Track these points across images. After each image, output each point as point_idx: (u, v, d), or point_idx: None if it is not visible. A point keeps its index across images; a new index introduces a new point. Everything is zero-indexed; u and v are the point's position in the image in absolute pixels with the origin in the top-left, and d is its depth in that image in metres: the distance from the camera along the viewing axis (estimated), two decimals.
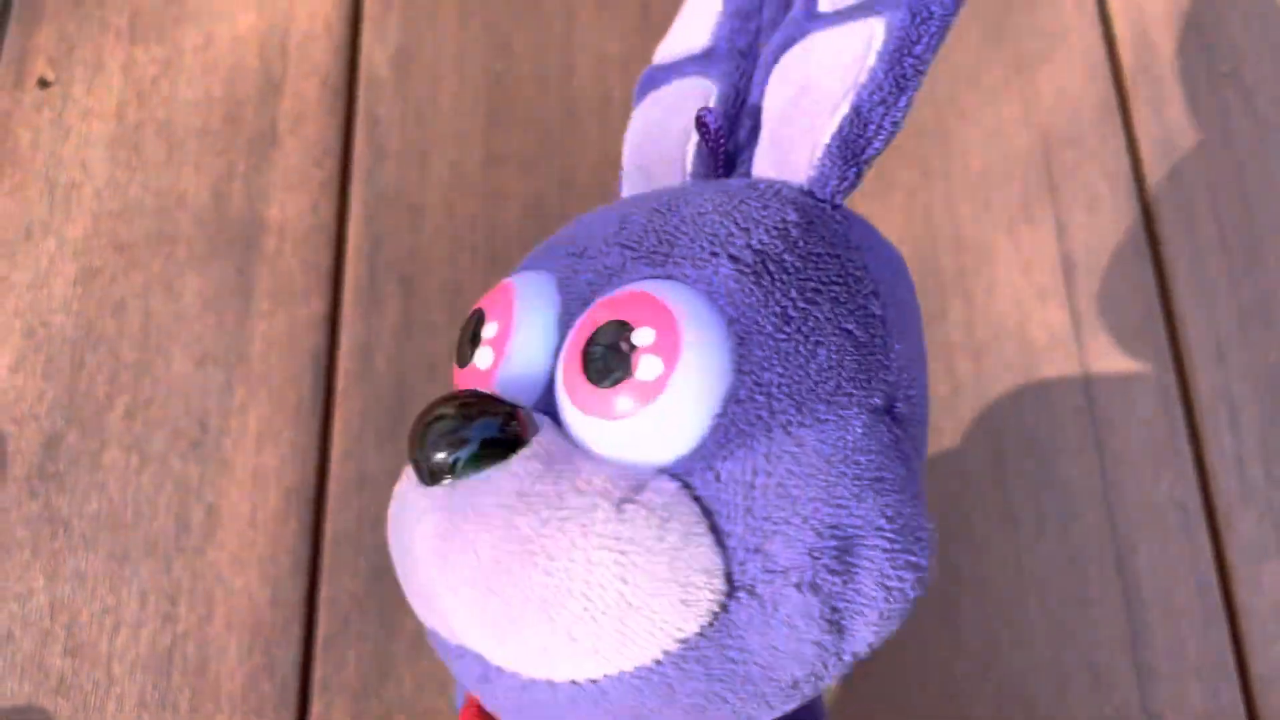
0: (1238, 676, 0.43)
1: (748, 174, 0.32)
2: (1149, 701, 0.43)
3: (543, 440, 0.26)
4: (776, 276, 0.27)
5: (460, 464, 0.26)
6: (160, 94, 0.54)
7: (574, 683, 0.26)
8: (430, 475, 0.26)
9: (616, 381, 0.26)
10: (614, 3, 0.56)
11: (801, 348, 0.27)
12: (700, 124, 0.32)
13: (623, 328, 0.26)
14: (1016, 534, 0.45)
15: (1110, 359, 0.48)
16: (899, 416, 0.28)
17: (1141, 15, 0.54)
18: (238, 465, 0.47)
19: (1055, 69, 0.53)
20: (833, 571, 0.26)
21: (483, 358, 0.29)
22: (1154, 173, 0.51)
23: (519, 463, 0.26)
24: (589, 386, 0.26)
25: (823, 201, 0.29)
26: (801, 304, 0.27)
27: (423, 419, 0.27)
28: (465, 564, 0.26)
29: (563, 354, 0.27)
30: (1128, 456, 0.46)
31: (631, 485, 0.26)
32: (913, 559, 0.26)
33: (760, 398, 0.26)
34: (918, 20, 0.27)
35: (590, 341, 0.26)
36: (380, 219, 0.52)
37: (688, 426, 0.26)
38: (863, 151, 0.28)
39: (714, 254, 0.27)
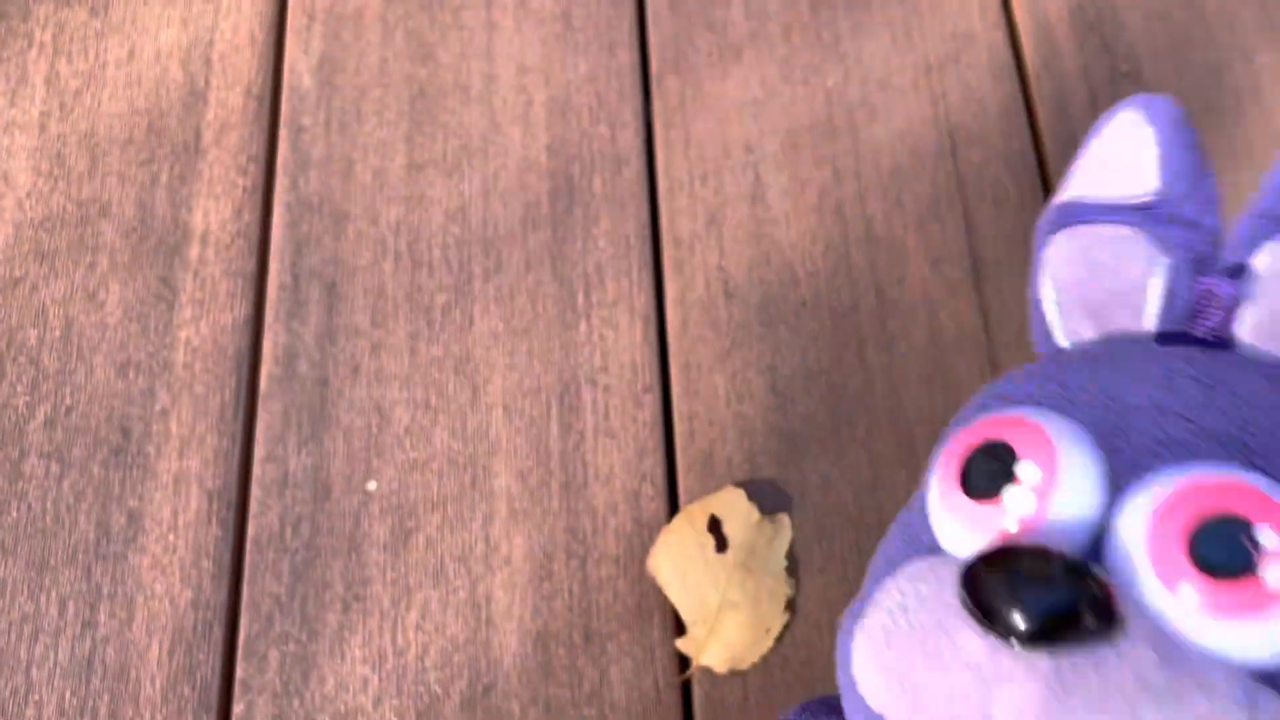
0: None
1: (1234, 338, 0.32)
2: None
3: (1146, 624, 0.26)
4: None
5: (1056, 632, 0.25)
6: (83, 105, 0.55)
7: None
8: (1027, 638, 0.25)
9: (1239, 575, 0.25)
10: (535, 14, 0.57)
11: None
12: (1209, 295, 0.32)
13: (1238, 523, 0.26)
14: None
15: (1017, 351, 0.49)
16: None
17: (1045, 18, 0.55)
18: (160, 470, 0.47)
19: (962, 70, 0.54)
20: None
21: (1020, 501, 0.28)
22: (1058, 169, 0.52)
23: (1132, 646, 0.25)
24: (1201, 577, 0.26)
25: None
26: None
27: (1010, 565, 0.26)
28: None
29: (1148, 530, 0.27)
30: None
31: (1245, 689, 0.25)
32: None
33: None
34: None
35: (1201, 529, 0.26)
36: (303, 225, 0.52)
37: None
38: None
39: None
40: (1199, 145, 0.35)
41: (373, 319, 0.50)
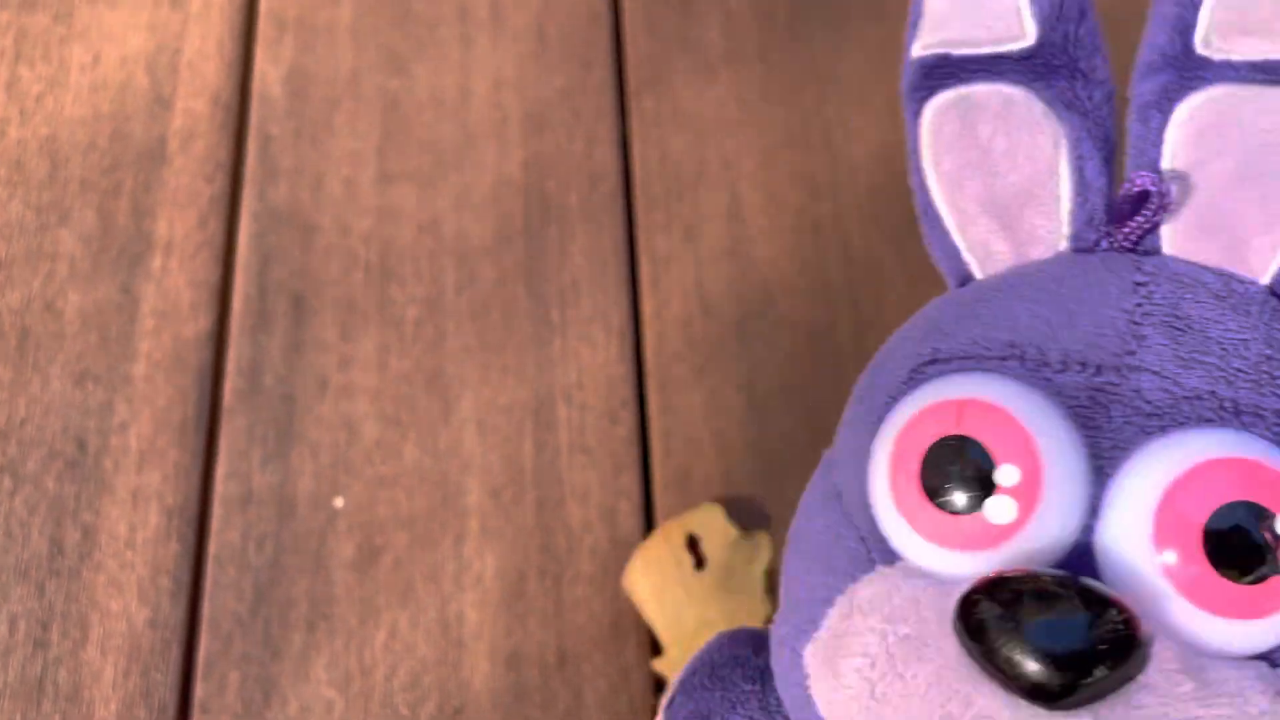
0: None
1: (1157, 247, 0.27)
2: None
3: (1170, 646, 0.23)
4: None
5: (1083, 680, 0.22)
6: (45, 111, 0.53)
7: None
8: (1057, 695, 0.22)
9: (1262, 578, 0.23)
10: (510, 30, 0.56)
11: None
12: (1140, 196, 0.26)
13: (1255, 512, 0.23)
14: None
15: None
16: None
17: None
18: (118, 485, 0.46)
19: None
20: None
21: (1001, 511, 0.24)
22: None
23: (1165, 679, 0.22)
24: (1223, 583, 0.23)
25: None
26: None
27: (1016, 603, 0.22)
28: None
29: (1152, 529, 0.23)
30: None
31: (1273, 684, 0.23)
32: None
33: None
34: None
35: (1215, 524, 0.23)
36: (271, 236, 0.51)
37: None
38: None
39: None
40: None
41: (342, 332, 0.49)
